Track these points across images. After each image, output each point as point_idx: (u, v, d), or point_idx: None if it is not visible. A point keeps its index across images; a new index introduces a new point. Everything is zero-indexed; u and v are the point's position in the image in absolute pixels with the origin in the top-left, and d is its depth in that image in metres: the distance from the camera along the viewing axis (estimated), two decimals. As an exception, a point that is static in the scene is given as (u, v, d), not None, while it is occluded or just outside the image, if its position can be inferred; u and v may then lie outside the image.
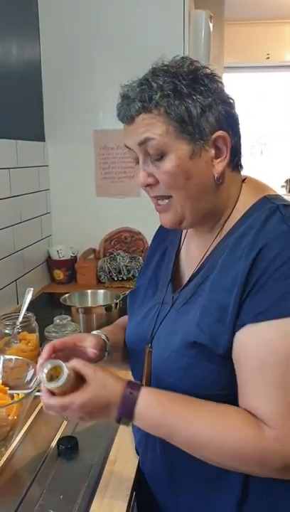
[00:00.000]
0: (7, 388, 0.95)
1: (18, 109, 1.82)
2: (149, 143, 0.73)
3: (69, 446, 0.89)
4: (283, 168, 4.73)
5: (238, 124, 0.78)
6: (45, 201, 2.08)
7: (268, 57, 4.59)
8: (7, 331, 1.14)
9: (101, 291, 1.61)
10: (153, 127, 0.72)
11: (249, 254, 0.68)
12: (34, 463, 0.87)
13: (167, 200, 0.76)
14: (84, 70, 2.01)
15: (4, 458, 0.88)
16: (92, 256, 2.11)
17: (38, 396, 1.01)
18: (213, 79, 0.75)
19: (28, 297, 1.17)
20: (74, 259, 2.06)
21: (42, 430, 0.97)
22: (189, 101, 0.71)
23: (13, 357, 1.01)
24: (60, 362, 0.69)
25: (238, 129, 0.77)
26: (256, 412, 0.66)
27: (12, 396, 0.93)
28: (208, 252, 0.78)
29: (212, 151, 0.74)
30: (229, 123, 0.75)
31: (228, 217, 0.78)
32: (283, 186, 4.54)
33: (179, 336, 0.74)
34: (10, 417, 0.86)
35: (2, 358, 1.01)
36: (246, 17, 4.17)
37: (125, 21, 1.96)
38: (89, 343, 0.83)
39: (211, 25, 2.11)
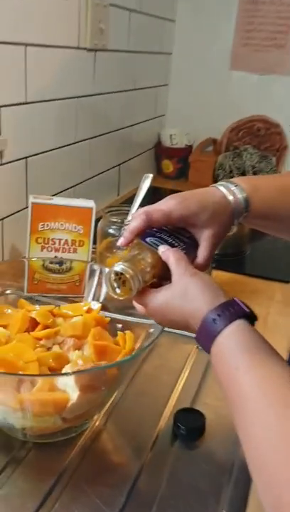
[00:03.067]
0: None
1: None
2: None
3: (191, 428, 0.59)
4: None
5: None
6: (165, 68, 1.65)
7: None
8: (111, 231, 0.81)
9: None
10: None
11: None
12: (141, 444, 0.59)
13: None
14: None
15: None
16: (210, 148, 1.73)
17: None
18: None
19: (145, 186, 0.82)
20: (188, 149, 1.72)
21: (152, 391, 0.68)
22: None
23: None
24: (129, 271, 0.50)
25: None
26: None
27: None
28: None
29: None
30: None
31: None
32: None
33: None
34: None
35: (101, 270, 0.70)
36: None
37: None
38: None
39: None
